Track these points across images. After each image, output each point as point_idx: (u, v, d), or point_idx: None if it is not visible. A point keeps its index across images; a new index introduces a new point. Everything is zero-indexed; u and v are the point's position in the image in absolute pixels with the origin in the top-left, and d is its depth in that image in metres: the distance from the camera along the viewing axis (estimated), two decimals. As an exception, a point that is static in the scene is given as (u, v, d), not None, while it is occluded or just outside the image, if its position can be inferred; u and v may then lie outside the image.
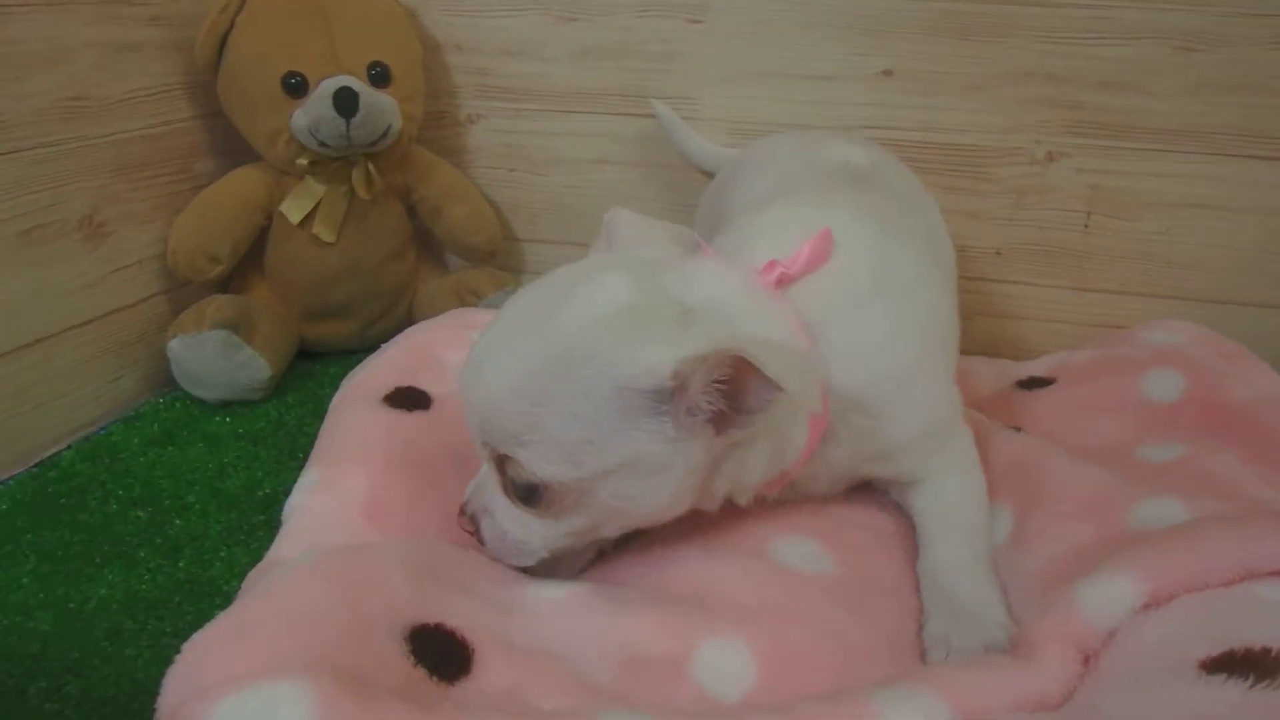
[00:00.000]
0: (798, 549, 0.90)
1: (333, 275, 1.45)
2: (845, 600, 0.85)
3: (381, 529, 0.89)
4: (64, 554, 1.02)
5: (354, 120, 1.33)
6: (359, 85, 1.34)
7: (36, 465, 1.18)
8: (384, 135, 1.38)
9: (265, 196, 1.41)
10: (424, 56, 1.50)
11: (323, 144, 1.35)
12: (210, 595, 0.96)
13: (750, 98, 1.46)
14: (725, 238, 0.98)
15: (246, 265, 1.45)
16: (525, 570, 0.85)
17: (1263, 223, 1.35)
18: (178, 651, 0.66)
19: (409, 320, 1.48)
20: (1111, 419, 1.16)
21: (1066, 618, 0.75)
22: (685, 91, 1.49)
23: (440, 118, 1.59)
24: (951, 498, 0.95)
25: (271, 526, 0.99)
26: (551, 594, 0.81)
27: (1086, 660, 0.74)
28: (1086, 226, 1.40)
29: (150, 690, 0.66)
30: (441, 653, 0.70)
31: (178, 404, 1.33)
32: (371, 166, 1.42)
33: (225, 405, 1.33)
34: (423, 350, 1.17)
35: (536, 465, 0.76)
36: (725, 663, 0.76)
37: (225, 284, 1.45)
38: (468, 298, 1.48)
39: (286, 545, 0.87)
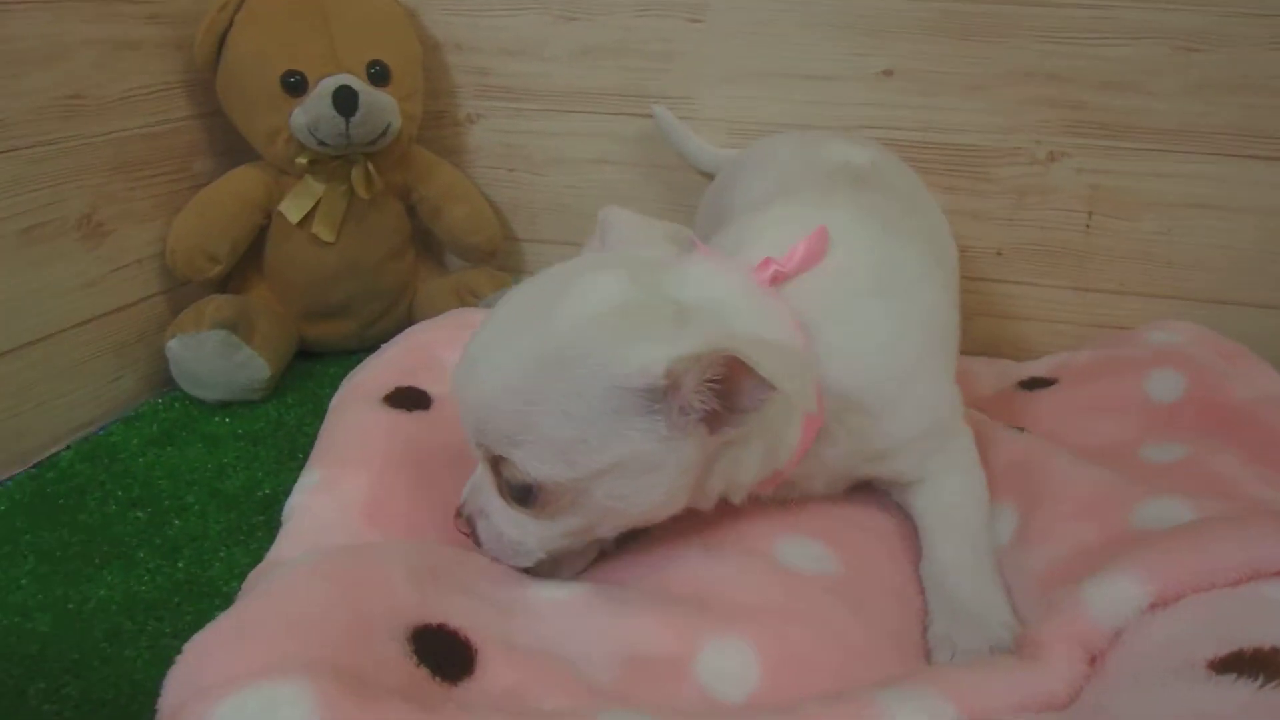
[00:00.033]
0: (801, 549, 0.90)
1: (332, 275, 1.44)
2: (848, 600, 0.84)
3: (382, 529, 0.89)
4: (63, 554, 1.01)
5: (353, 119, 1.33)
6: (358, 84, 1.34)
7: (35, 465, 1.18)
8: (383, 134, 1.38)
9: (264, 196, 1.41)
10: (423, 56, 1.50)
11: (322, 143, 1.34)
12: (210, 596, 0.96)
13: (750, 98, 1.46)
14: (724, 237, 0.98)
15: (245, 265, 1.45)
16: (526, 571, 0.85)
17: (1263, 223, 1.35)
18: (177, 652, 0.66)
19: (409, 320, 1.47)
20: (1113, 419, 1.16)
21: (1072, 618, 0.75)
22: (685, 91, 1.48)
23: (440, 117, 1.59)
24: (951, 498, 0.95)
25: (271, 527, 0.99)
26: (552, 594, 0.81)
27: (1093, 661, 0.73)
28: (1088, 227, 1.40)
29: (150, 691, 0.66)
30: (444, 653, 0.70)
31: (177, 404, 1.32)
32: (371, 166, 1.42)
33: (224, 405, 1.33)
34: (423, 350, 1.17)
35: (531, 465, 0.76)
36: (728, 663, 0.76)
37: (224, 284, 1.44)
38: (467, 298, 1.47)
39: (287, 546, 0.87)
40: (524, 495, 0.79)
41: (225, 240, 1.38)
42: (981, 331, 1.45)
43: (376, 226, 1.46)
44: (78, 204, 1.24)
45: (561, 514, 0.80)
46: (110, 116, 1.28)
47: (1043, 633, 0.76)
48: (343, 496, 0.92)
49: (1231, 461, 1.01)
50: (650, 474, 0.77)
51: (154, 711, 0.64)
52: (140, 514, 1.08)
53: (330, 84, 1.33)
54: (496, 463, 0.80)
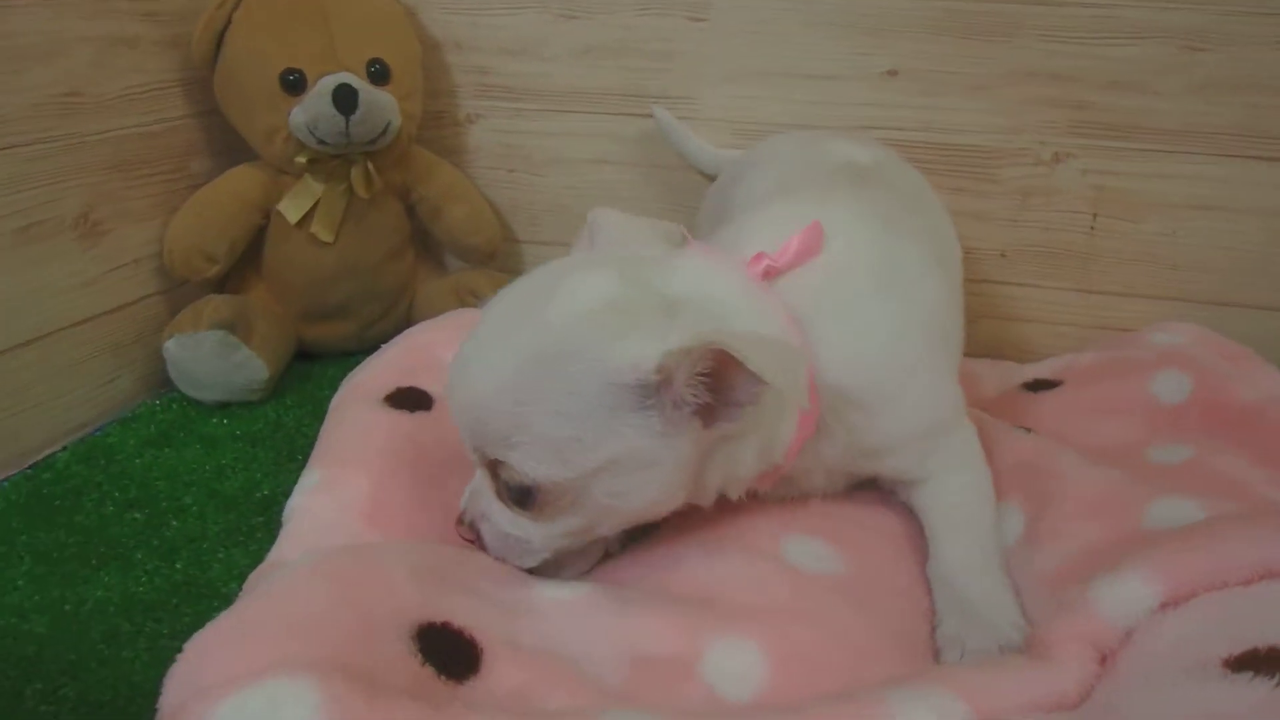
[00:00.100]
0: (806, 549, 0.89)
1: (331, 275, 1.43)
2: (855, 600, 0.84)
3: (382, 530, 0.89)
4: (59, 556, 1.00)
5: (353, 117, 1.32)
6: (358, 82, 1.33)
7: (31, 467, 1.17)
8: (383, 133, 1.37)
9: (263, 195, 1.40)
10: (423, 55, 1.49)
11: (321, 141, 1.34)
12: (208, 597, 0.95)
13: (752, 97, 1.45)
14: (723, 234, 0.98)
15: (244, 265, 1.44)
16: (529, 571, 0.84)
17: (1267, 224, 1.34)
18: (176, 654, 0.65)
19: (408, 321, 1.47)
20: (1119, 421, 1.15)
21: (1083, 617, 0.75)
22: (686, 91, 1.48)
23: (439, 117, 1.58)
24: (954, 497, 0.94)
25: (270, 528, 0.98)
26: (555, 594, 0.81)
27: (1103, 660, 0.73)
28: (1092, 228, 1.39)
29: (148, 693, 0.65)
30: (450, 651, 0.69)
31: (174, 405, 1.31)
32: (370, 165, 1.41)
33: (223, 406, 1.32)
34: (423, 350, 1.16)
35: (527, 466, 0.76)
36: (734, 663, 0.75)
37: (222, 284, 1.43)
38: (467, 299, 1.46)
39: (287, 547, 0.87)
40: (523, 497, 0.79)
41: (223, 240, 1.37)
42: (985, 333, 1.45)
43: (376, 227, 1.45)
44: (74, 203, 1.23)
45: (561, 515, 0.79)
46: (107, 114, 1.27)
47: (1053, 632, 0.75)
48: (343, 497, 0.91)
49: (1238, 463, 1.01)
50: (647, 470, 0.77)
51: (153, 713, 0.64)
52: (138, 515, 1.07)
53: (330, 82, 1.32)
54: (494, 466, 0.80)
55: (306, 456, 1.00)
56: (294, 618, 0.67)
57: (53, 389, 1.22)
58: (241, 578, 0.86)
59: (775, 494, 0.94)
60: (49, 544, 1.02)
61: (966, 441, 0.98)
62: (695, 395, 0.75)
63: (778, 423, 0.84)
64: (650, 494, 0.79)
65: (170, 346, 1.29)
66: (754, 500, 0.92)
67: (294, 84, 1.33)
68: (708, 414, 0.77)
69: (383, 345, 1.20)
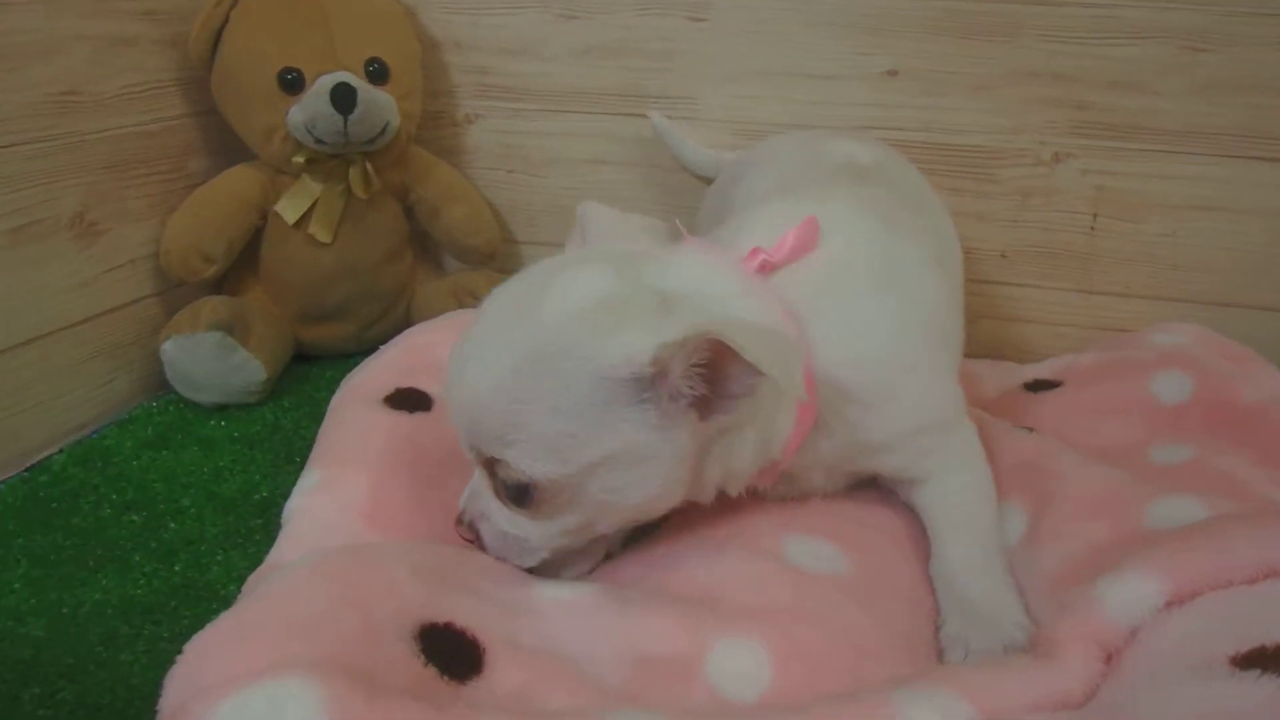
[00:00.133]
0: (809, 548, 0.89)
1: (329, 276, 1.43)
2: (858, 599, 0.84)
3: (381, 530, 0.89)
4: (56, 558, 1.00)
5: (352, 117, 1.31)
6: (357, 81, 1.33)
7: (28, 469, 1.16)
8: (382, 133, 1.36)
9: (260, 195, 1.39)
10: (422, 54, 1.49)
11: (319, 141, 1.33)
12: (207, 599, 0.95)
13: (752, 97, 1.45)
14: (721, 232, 0.97)
15: (241, 266, 1.43)
16: (531, 572, 0.84)
17: (1268, 225, 1.34)
18: (174, 656, 0.65)
19: (407, 322, 1.46)
20: (1120, 422, 1.15)
21: (1088, 616, 0.74)
22: (686, 91, 1.48)
23: (438, 117, 1.58)
24: (955, 496, 0.94)
25: (269, 530, 0.98)
26: (556, 594, 0.80)
27: (1109, 659, 0.73)
28: (1092, 229, 1.39)
29: (146, 696, 0.65)
30: (452, 652, 0.69)
31: (171, 407, 1.31)
32: (369, 165, 1.40)
33: (220, 408, 1.31)
34: (422, 351, 1.16)
35: (524, 464, 0.76)
36: (739, 663, 0.75)
37: (219, 285, 1.43)
38: (466, 299, 1.46)
39: (287, 548, 0.86)
40: (520, 495, 0.78)
41: (220, 241, 1.36)
42: (985, 334, 1.45)
43: (374, 227, 1.45)
44: (70, 202, 1.23)
45: (559, 512, 0.79)
46: (105, 113, 1.27)
47: (1057, 632, 0.75)
48: (342, 497, 0.91)
49: (1240, 463, 1.01)
50: (644, 464, 0.77)
51: (152, 716, 0.63)
52: (135, 517, 1.07)
53: (328, 81, 1.31)
54: (491, 465, 0.79)
55: (305, 458, 1.00)
56: (295, 618, 0.67)
57: (49, 390, 1.21)
58: (240, 580, 0.86)
59: (776, 493, 0.94)
60: (46, 546, 1.01)
61: (967, 441, 0.98)
62: (691, 387, 0.75)
63: (775, 415, 0.83)
64: (648, 489, 0.79)
65: (168, 348, 1.28)
66: (755, 499, 0.92)
67: (292, 83, 1.33)
68: (704, 406, 0.76)
69: (381, 346, 1.20)
